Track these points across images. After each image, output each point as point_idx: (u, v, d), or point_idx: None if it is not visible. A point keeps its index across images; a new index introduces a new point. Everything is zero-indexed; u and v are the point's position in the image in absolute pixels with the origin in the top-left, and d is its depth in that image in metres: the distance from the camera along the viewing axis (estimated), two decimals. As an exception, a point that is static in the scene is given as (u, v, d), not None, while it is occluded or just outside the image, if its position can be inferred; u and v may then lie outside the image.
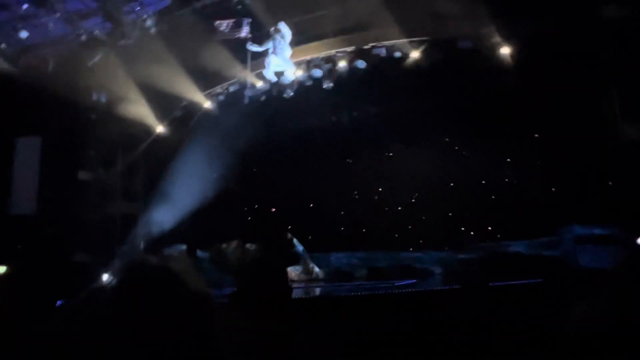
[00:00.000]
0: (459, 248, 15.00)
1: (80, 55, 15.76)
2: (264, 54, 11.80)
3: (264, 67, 12.79)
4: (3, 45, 14.28)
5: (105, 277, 13.90)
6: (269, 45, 10.41)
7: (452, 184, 15.70)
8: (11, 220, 15.42)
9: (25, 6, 13.00)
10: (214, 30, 10.67)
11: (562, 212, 12.86)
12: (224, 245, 16.21)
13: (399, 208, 16.35)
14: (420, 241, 15.73)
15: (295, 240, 15.25)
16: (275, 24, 11.07)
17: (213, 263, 15.54)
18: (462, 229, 15.52)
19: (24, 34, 13.95)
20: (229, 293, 2.72)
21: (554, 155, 13.56)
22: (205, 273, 15.41)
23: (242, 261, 15.48)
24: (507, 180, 15.30)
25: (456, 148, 15.79)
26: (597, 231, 12.09)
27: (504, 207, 14.72)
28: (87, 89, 16.58)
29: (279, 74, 10.61)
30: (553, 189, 14.24)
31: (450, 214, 15.48)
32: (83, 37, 14.98)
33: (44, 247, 15.40)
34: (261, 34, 12.14)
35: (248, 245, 15.76)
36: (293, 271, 15.00)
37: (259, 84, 13.67)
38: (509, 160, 15.46)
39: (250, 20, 10.40)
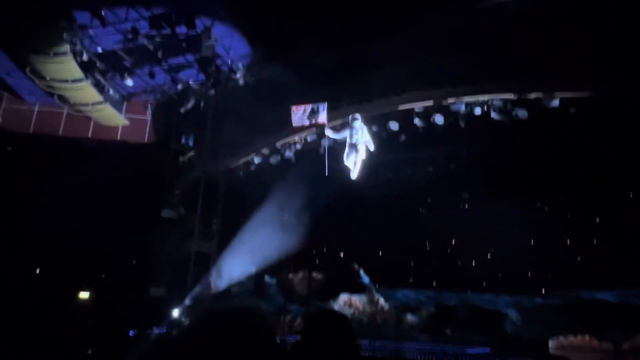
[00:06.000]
0: (536, 293, 14.73)
1: (174, 102, 17.24)
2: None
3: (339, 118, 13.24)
4: (112, 92, 15.90)
5: (176, 313, 14.25)
6: (345, 133, 10.49)
7: (532, 242, 15.20)
8: (98, 250, 16.53)
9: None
10: (292, 112, 10.93)
11: None
12: (290, 275, 16.73)
13: (473, 263, 16.13)
14: (494, 285, 15.40)
15: (361, 272, 15.60)
16: (353, 112, 11.20)
17: (279, 289, 16.11)
18: (541, 277, 15.05)
19: (129, 82, 15.49)
20: (294, 342, 2.66)
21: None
22: (272, 298, 15.92)
23: (308, 291, 15.90)
24: (595, 242, 14.60)
25: (538, 204, 15.23)
26: None
27: (590, 264, 14.13)
28: (178, 133, 17.98)
29: (354, 163, 10.60)
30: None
31: (528, 266, 15.25)
32: (179, 86, 16.39)
33: (125, 278, 16.32)
34: (342, 123, 12.57)
35: (314, 275, 16.23)
36: (358, 300, 15.21)
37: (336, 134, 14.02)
38: (597, 220, 14.74)
39: (326, 104, 10.57)
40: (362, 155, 10.19)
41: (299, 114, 10.29)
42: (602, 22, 10.72)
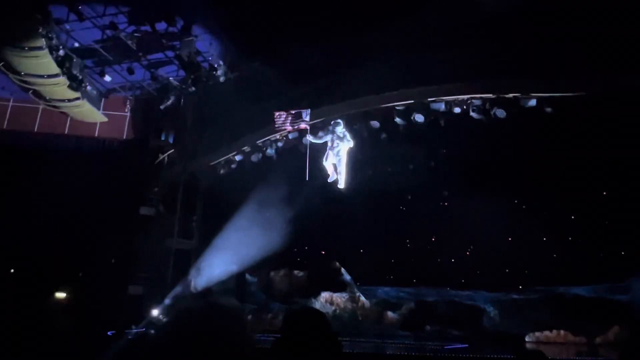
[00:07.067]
0: (513, 289, 15.17)
1: (154, 98, 17.00)
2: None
3: (323, 117, 13.31)
4: (90, 88, 15.59)
5: (155, 311, 14.04)
6: (326, 138, 10.53)
7: (510, 238, 15.49)
8: (75, 249, 16.22)
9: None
10: (274, 118, 10.87)
11: (628, 262, 13.39)
12: (272, 273, 16.74)
13: (452, 260, 16.38)
14: (472, 281, 16.02)
15: (342, 269, 15.75)
16: (334, 118, 11.29)
17: (260, 287, 16.11)
18: (518, 273, 15.58)
19: (108, 78, 15.23)
20: (273, 340, 2.67)
21: (621, 211, 13.34)
22: (253, 296, 15.89)
23: (289, 289, 15.97)
24: (570, 238, 15.00)
25: (515, 202, 15.55)
26: None
27: (565, 261, 14.55)
28: (157, 130, 17.74)
29: (334, 168, 10.58)
30: (619, 243, 14.25)
31: (506, 262, 15.59)
32: (159, 83, 16.18)
33: (103, 277, 16.07)
34: (322, 126, 12.67)
35: (296, 273, 16.30)
36: (340, 297, 15.35)
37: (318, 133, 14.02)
38: (573, 217, 15.15)
39: (309, 110, 10.53)
40: (344, 161, 10.21)
41: (281, 120, 10.32)
42: (579, 24, 10.97)
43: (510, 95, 12.54)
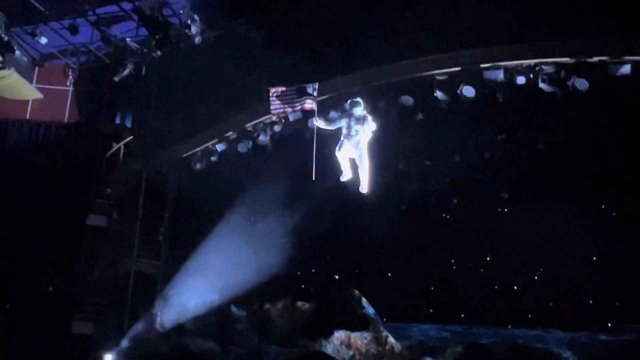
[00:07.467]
0: (600, 328, 15.19)
1: (106, 67, 17.10)
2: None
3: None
4: (18, 53, 15.70)
5: (108, 357, 14.14)
6: (341, 122, 10.55)
7: (594, 258, 15.56)
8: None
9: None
10: (270, 96, 10.97)
11: None
12: (267, 305, 16.85)
13: (515, 287, 16.39)
14: (542, 316, 15.87)
15: (364, 301, 15.85)
16: (351, 95, 11.37)
17: (251, 324, 16.16)
18: (606, 305, 15.54)
19: (43, 40, 15.31)
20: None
21: None
22: (242, 337, 15.96)
23: (291, 326, 15.97)
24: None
25: (602, 207, 15.47)
26: None
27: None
28: (110, 109, 17.85)
29: (351, 163, 10.67)
30: None
31: (589, 290, 15.49)
32: (112, 46, 16.25)
33: (38, 310, 16.21)
34: (334, 104, 12.67)
35: (299, 306, 16.36)
36: (360, 338, 15.44)
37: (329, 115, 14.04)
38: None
39: (317, 84, 10.55)
40: (366, 154, 10.21)
41: (278, 97, 10.37)
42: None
43: (595, 59, 12.47)
